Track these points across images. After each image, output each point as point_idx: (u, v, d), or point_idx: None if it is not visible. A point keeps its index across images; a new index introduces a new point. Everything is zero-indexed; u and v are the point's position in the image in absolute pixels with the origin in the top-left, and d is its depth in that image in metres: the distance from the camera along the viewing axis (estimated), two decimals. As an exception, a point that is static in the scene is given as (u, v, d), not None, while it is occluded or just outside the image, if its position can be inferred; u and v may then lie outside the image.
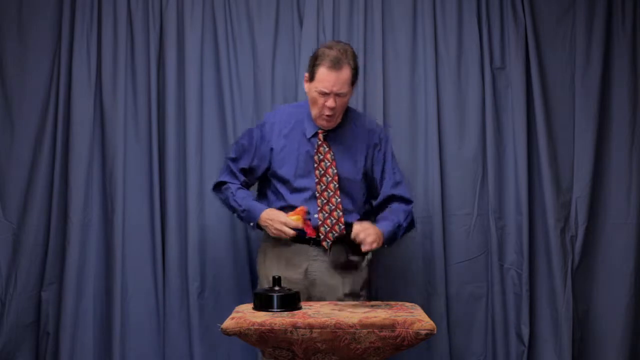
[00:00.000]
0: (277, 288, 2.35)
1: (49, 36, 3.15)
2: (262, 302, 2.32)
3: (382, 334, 2.13)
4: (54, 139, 3.12)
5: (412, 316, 2.20)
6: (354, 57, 2.56)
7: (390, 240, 2.56)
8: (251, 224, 2.67)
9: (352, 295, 2.62)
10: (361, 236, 2.39)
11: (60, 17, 3.14)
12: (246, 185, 2.74)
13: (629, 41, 3.21)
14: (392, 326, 2.14)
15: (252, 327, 2.13)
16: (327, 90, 2.52)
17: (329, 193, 2.62)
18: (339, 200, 2.62)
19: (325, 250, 2.60)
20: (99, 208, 3.13)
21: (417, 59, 3.19)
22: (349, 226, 2.55)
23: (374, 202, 2.75)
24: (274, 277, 2.38)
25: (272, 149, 2.66)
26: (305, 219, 2.56)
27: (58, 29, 3.15)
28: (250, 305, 2.37)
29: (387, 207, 2.69)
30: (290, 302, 2.32)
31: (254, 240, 3.13)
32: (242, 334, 2.14)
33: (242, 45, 3.18)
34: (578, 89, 3.21)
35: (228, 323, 2.17)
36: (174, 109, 3.14)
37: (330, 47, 2.54)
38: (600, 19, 3.20)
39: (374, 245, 2.42)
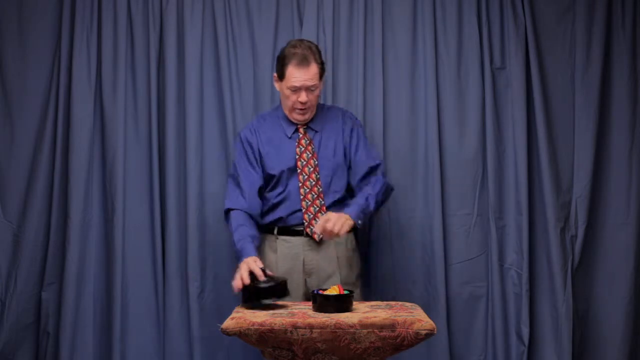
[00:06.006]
0: (263, 279, 2.39)
1: (49, 36, 3.15)
2: (251, 294, 2.37)
3: (382, 334, 2.13)
4: (54, 139, 3.12)
5: (412, 316, 2.20)
6: (319, 53, 2.73)
7: (364, 213, 2.65)
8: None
9: (347, 284, 2.64)
10: (321, 228, 2.53)
11: (60, 17, 3.14)
12: (254, 201, 2.74)
13: (629, 41, 3.20)
14: (392, 326, 2.14)
15: (252, 327, 2.13)
16: (298, 85, 2.66)
17: (311, 182, 2.72)
18: (320, 189, 2.72)
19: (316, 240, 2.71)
20: (99, 208, 3.13)
21: (417, 59, 3.19)
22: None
23: (352, 177, 2.80)
24: (262, 269, 2.43)
25: (260, 154, 2.77)
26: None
27: (58, 29, 3.14)
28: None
29: (364, 182, 2.78)
30: (278, 291, 2.36)
31: (254, 240, 3.14)
32: (242, 334, 2.15)
33: (242, 45, 3.18)
34: (578, 89, 3.20)
35: (228, 323, 2.17)
36: (174, 109, 3.14)
37: (295, 46, 2.69)
38: (600, 19, 3.20)
39: (337, 230, 2.51)
